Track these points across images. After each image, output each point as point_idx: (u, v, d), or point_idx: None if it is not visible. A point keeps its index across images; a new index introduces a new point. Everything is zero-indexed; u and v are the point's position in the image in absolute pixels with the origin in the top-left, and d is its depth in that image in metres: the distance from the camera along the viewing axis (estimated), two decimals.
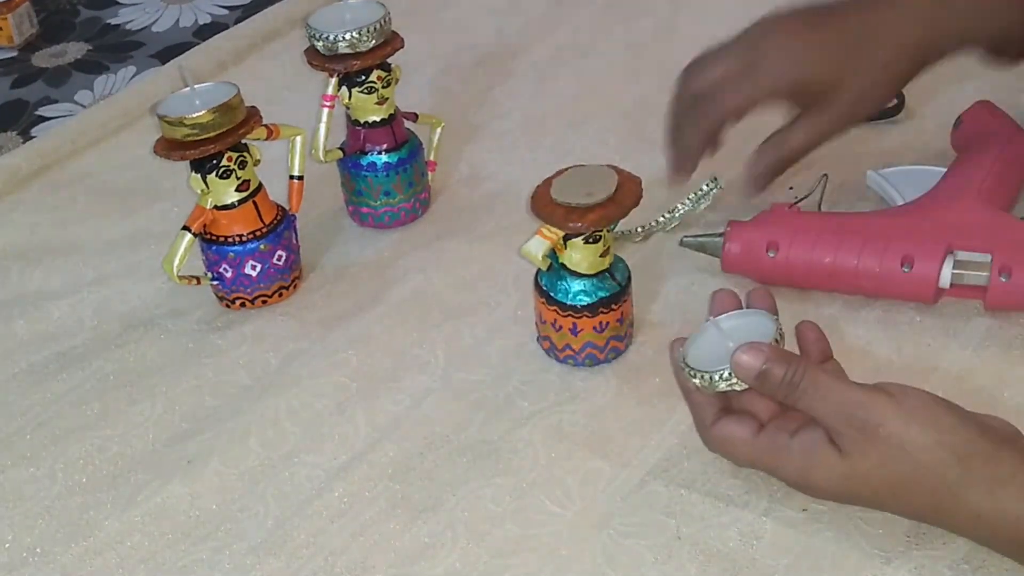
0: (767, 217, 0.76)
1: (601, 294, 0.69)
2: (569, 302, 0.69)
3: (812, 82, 0.72)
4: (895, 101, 0.92)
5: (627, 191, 0.67)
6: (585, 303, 0.69)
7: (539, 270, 0.70)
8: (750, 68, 0.73)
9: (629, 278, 0.71)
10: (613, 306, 0.69)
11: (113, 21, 1.22)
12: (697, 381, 0.61)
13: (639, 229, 0.81)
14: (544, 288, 0.70)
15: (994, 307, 0.72)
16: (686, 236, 0.78)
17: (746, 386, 0.60)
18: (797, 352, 0.64)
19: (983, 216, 0.73)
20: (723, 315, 0.64)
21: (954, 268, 0.71)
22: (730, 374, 0.60)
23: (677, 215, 0.81)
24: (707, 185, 0.80)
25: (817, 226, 0.75)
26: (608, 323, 0.70)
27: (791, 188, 0.80)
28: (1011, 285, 0.70)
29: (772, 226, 0.75)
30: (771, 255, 0.74)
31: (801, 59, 0.73)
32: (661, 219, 0.81)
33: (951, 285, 0.72)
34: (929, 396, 0.58)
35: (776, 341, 0.61)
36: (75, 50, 1.17)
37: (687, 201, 0.80)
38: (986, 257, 0.71)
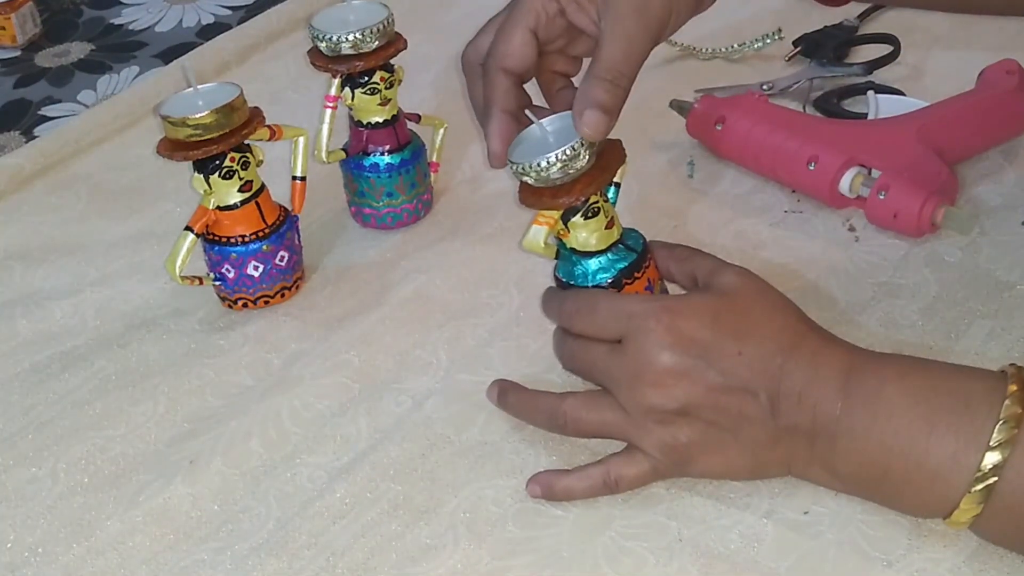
0: (735, 98, 0.87)
1: (620, 266, 0.66)
2: (591, 284, 0.66)
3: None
4: (891, 48, 0.93)
5: (609, 153, 0.65)
6: (607, 280, 0.66)
7: (556, 264, 0.68)
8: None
9: (645, 243, 0.68)
10: (636, 274, 0.66)
11: (116, 21, 1.22)
12: (528, 177, 0.63)
13: (708, 49, 0.95)
14: (564, 280, 0.67)
15: (871, 221, 0.79)
16: (674, 99, 0.89)
17: (569, 171, 0.62)
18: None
19: (904, 146, 0.80)
20: (546, 118, 0.65)
21: (850, 177, 0.79)
22: (549, 162, 0.61)
23: (744, 48, 0.95)
24: (772, 34, 0.90)
25: (764, 114, 0.84)
26: (638, 292, 0.66)
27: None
28: (884, 202, 0.77)
29: (730, 104, 0.85)
30: (718, 128, 0.85)
31: None
32: (725, 49, 0.95)
33: (849, 194, 0.80)
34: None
35: (581, 144, 0.62)
36: (78, 50, 1.17)
37: (749, 41, 0.92)
38: (877, 174, 0.79)
